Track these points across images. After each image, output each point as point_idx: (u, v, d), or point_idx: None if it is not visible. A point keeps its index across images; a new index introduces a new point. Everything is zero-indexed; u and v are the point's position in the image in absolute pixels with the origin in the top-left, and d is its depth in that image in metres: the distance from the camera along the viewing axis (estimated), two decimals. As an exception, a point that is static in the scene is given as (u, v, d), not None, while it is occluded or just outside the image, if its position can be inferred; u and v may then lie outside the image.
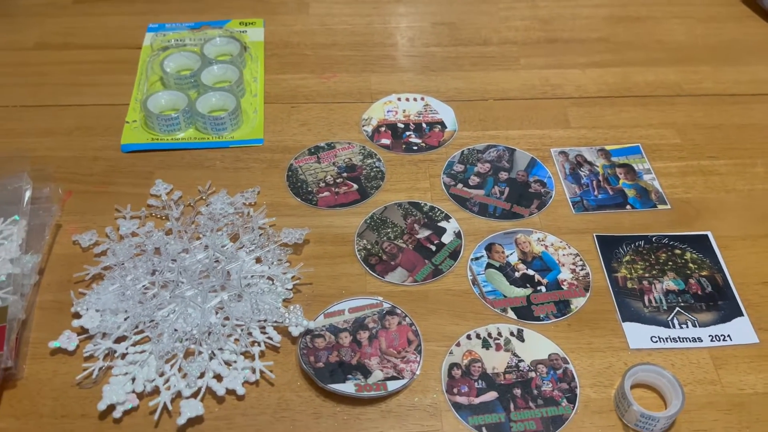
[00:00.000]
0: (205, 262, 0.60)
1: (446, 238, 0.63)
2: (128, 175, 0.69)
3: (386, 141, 0.73)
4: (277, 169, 0.70)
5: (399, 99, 0.78)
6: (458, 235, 0.63)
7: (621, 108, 0.77)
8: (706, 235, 0.63)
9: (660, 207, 0.66)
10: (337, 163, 0.70)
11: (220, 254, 0.60)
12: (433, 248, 0.62)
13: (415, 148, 0.72)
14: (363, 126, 0.75)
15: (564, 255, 0.62)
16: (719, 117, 0.75)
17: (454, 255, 0.62)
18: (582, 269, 0.61)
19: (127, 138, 0.72)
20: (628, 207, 0.66)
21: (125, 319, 0.55)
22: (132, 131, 0.73)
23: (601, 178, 0.69)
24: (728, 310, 0.58)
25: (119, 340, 0.55)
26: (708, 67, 0.82)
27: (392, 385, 0.52)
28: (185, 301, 0.56)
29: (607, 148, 0.72)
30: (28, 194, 0.63)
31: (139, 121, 0.74)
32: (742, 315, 0.57)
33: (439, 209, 0.66)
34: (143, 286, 0.58)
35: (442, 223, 0.64)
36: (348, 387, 0.52)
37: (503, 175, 0.69)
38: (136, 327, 0.55)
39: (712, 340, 0.56)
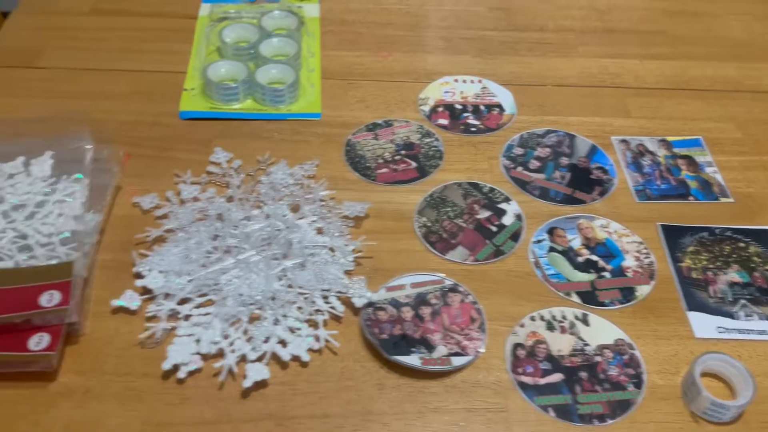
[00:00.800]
0: (267, 230, 0.59)
1: (507, 220, 0.63)
2: (187, 142, 0.69)
3: (444, 121, 0.72)
4: (335, 144, 0.69)
5: (456, 80, 0.77)
6: (519, 217, 0.63)
7: (680, 100, 0.76)
8: (770, 230, 0.63)
9: (722, 200, 0.65)
10: (395, 140, 0.70)
11: (282, 223, 0.60)
12: (494, 229, 0.62)
13: (474, 129, 0.72)
14: (420, 105, 0.74)
15: (628, 242, 0.61)
16: (780, 114, 0.75)
17: (515, 237, 0.61)
18: (646, 257, 0.60)
19: (186, 105, 0.72)
20: (690, 198, 0.65)
21: (189, 281, 0.55)
22: (190, 99, 0.73)
23: (663, 168, 0.68)
24: (794, 305, 0.57)
25: (182, 301, 0.55)
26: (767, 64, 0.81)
27: (457, 361, 0.52)
28: (249, 267, 0.56)
29: (668, 139, 0.71)
30: (90, 154, 0.63)
31: (197, 89, 0.73)
32: (809, 311, 0.57)
33: (499, 191, 0.65)
34: (206, 250, 0.57)
35: (503, 205, 0.64)
36: (413, 359, 0.52)
37: (564, 161, 0.68)
38: (200, 290, 0.55)
39: (779, 334, 0.55)
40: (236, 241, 0.58)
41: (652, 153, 0.69)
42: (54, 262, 0.55)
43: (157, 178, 0.65)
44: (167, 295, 0.55)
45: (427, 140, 0.70)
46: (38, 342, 0.50)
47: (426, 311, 0.55)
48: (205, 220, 0.60)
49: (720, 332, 0.55)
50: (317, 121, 0.72)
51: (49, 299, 0.51)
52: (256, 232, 0.59)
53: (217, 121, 0.71)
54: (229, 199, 0.62)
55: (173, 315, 0.54)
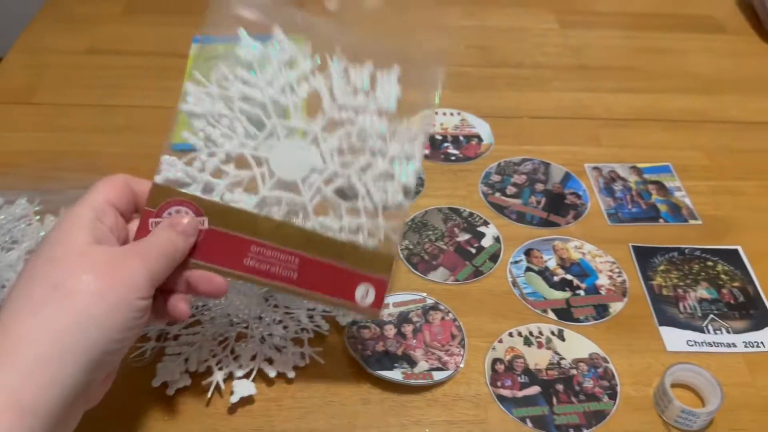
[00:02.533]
0: (254, 253, 0.62)
1: (486, 242, 0.65)
2: (178, 172, 0.71)
3: (425, 151, 0.76)
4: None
5: (436, 113, 0.81)
6: (497, 239, 0.66)
7: (650, 131, 0.80)
8: (737, 249, 0.65)
9: (691, 222, 0.68)
10: (378, 169, 0.73)
11: (268, 247, 0.62)
12: (473, 251, 0.64)
13: (453, 158, 0.75)
14: (402, 137, 0.77)
15: (601, 262, 0.64)
16: (745, 142, 0.78)
17: (494, 258, 0.64)
18: (619, 276, 0.63)
19: (178, 138, 0.75)
20: (660, 221, 0.68)
21: (178, 303, 0.57)
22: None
23: (634, 193, 0.71)
24: (760, 319, 0.59)
25: (171, 322, 0.56)
26: (734, 96, 0.85)
27: (438, 375, 0.54)
28: (237, 288, 0.58)
29: (639, 165, 0.74)
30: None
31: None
32: (775, 325, 0.59)
33: (478, 215, 0.68)
34: (195, 273, 0.60)
35: (481, 228, 0.67)
36: (396, 374, 0.53)
37: (539, 187, 0.71)
38: (189, 310, 0.57)
39: (746, 346, 0.57)
40: (225, 264, 0.60)
41: (623, 179, 0.73)
42: (373, 244, 0.48)
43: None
44: (157, 316, 0.57)
45: (409, 169, 0.73)
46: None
47: (408, 329, 0.57)
48: (195, 245, 0.62)
49: (690, 345, 0.57)
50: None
51: (364, 295, 0.47)
52: (244, 256, 0.61)
53: (207, 152, 0.74)
54: (218, 225, 0.65)
55: (162, 335, 0.56)
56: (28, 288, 0.39)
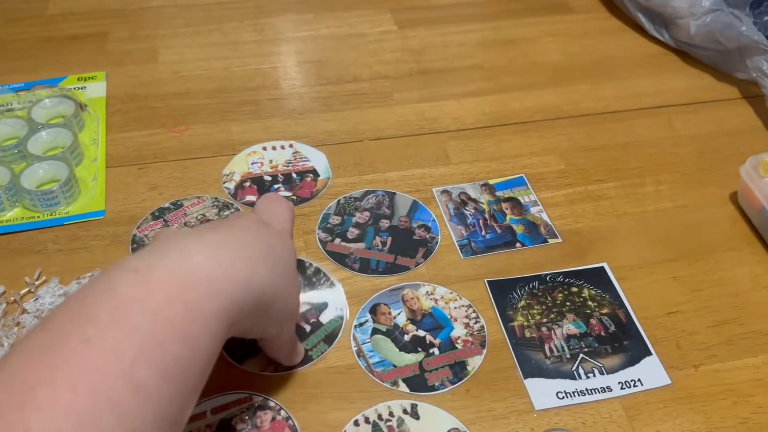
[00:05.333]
0: (32, 372, 0.49)
1: (326, 316, 0.55)
2: (-63, 273, 0.57)
3: (252, 197, 0.65)
4: (122, 244, 0.60)
5: (264, 148, 0.70)
6: (341, 312, 0.55)
7: (501, 137, 0.72)
8: (603, 267, 0.59)
9: (551, 241, 0.61)
10: (188, 222, 0.62)
11: (50, 360, 0.49)
12: (308, 328, 0.54)
13: (285, 202, 0.64)
14: (224, 182, 0.66)
15: (456, 308, 0.55)
16: (602, 137, 0.72)
17: (330, 339, 0.53)
18: (476, 322, 0.54)
19: (-63, 226, 0.60)
20: (518, 245, 0.61)
21: None
22: (-58, 218, 0.61)
23: (487, 215, 0.63)
24: (635, 351, 0.53)
25: None
26: (586, 85, 0.79)
27: (267, 500, 0.44)
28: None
29: (491, 182, 0.66)
30: None
31: (-48, 205, 0.62)
32: (651, 354, 0.53)
33: (325, 273, 0.58)
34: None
35: (326, 292, 0.56)
36: None
37: (384, 224, 0.62)
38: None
39: (622, 388, 0.50)
40: (-10, 395, 0.47)
41: (474, 200, 0.64)
42: None
43: None
44: None
45: (227, 213, 0.62)
46: None
47: (232, 440, 0.47)
48: (-51, 376, 0.49)
49: (560, 398, 0.50)
50: (101, 220, 0.62)
51: None
52: (17, 379, 0.48)
53: (-22, 239, 0.60)
54: (-16, 341, 0.51)
55: None
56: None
